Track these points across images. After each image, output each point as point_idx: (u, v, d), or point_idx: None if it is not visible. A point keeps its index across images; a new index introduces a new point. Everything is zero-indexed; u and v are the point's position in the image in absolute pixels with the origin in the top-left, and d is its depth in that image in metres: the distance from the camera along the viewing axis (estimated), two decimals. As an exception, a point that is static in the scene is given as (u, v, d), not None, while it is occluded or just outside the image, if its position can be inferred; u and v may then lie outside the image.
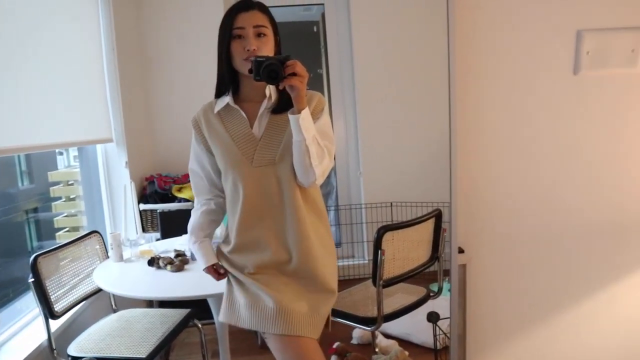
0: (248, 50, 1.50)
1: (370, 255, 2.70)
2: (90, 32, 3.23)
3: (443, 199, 4.06)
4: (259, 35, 1.53)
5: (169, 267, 2.26)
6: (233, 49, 1.54)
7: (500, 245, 2.24)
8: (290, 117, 1.46)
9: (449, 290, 3.57)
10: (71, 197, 3.41)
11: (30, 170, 3.20)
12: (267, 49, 1.54)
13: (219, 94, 1.64)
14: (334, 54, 3.75)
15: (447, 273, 2.34)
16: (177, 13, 3.89)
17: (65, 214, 3.40)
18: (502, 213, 2.22)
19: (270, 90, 1.60)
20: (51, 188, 3.31)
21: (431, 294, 2.63)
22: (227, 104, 1.62)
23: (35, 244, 3.23)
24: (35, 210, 3.30)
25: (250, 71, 1.46)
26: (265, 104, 1.60)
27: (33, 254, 2.17)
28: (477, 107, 2.12)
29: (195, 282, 2.15)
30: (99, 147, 3.41)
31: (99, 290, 2.38)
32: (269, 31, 1.56)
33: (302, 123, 1.44)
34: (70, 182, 3.43)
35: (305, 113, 1.45)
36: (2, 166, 2.82)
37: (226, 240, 1.71)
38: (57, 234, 3.34)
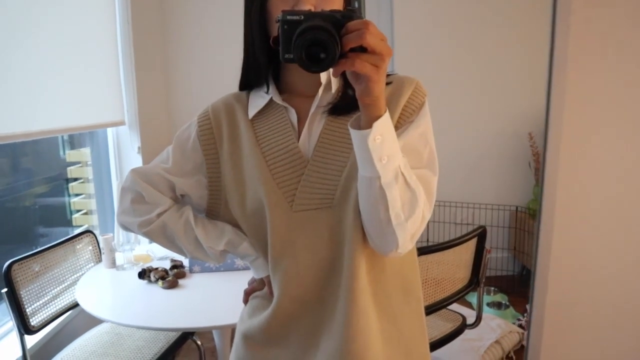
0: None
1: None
2: (106, 5, 2.91)
3: (483, 200, 3.71)
4: None
5: (160, 282, 1.95)
6: (271, 9, 0.89)
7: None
8: (353, 133, 0.79)
9: (487, 305, 3.21)
10: (90, 178, 3.16)
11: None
12: (333, 6, 0.88)
13: (246, 84, 1.02)
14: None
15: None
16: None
17: (84, 195, 3.15)
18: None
19: (328, 74, 0.94)
20: (68, 168, 3.06)
21: (468, 324, 2.25)
22: (270, 101, 0.98)
23: (45, 229, 3.00)
24: (47, 194, 3.06)
25: (275, 41, 0.83)
26: (318, 99, 0.95)
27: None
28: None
29: (187, 306, 1.83)
30: (109, 130, 3.13)
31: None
32: None
33: (375, 146, 0.76)
34: (89, 163, 3.17)
35: (384, 126, 0.76)
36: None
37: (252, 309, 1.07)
38: (74, 216, 3.11)
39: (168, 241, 1.03)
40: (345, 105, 0.92)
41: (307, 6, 0.85)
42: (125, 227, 1.06)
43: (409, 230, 0.84)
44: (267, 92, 0.97)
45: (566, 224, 1.80)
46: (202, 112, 1.04)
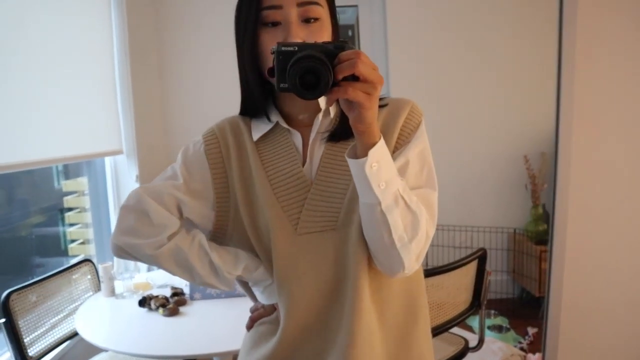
0: None
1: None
2: (102, 34, 2.95)
3: (482, 223, 3.71)
4: (307, 20, 0.90)
5: (160, 310, 1.93)
6: (262, 44, 0.90)
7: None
8: (350, 162, 0.80)
9: (488, 328, 3.19)
10: (86, 207, 3.14)
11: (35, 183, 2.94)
12: (322, 39, 0.91)
13: (245, 113, 1.03)
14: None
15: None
16: (197, 15, 3.61)
17: (80, 225, 3.13)
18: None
19: (325, 101, 0.96)
20: (64, 198, 3.05)
21: (470, 347, 2.23)
22: (275, 125, 0.99)
23: (41, 259, 2.97)
24: (43, 223, 3.04)
25: (270, 72, 0.83)
26: (317, 124, 0.96)
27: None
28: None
29: (188, 333, 1.81)
30: (107, 159, 3.13)
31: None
32: (323, 12, 0.92)
33: (373, 173, 0.78)
34: (85, 193, 3.16)
35: (379, 153, 0.78)
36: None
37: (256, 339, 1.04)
38: (70, 246, 3.08)
39: (178, 266, 0.97)
40: (343, 131, 0.93)
41: (297, 38, 0.87)
42: (123, 250, 0.97)
43: (413, 251, 0.85)
44: (269, 120, 0.98)
45: (579, 227, 1.81)
46: (208, 131, 1.03)
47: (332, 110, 0.96)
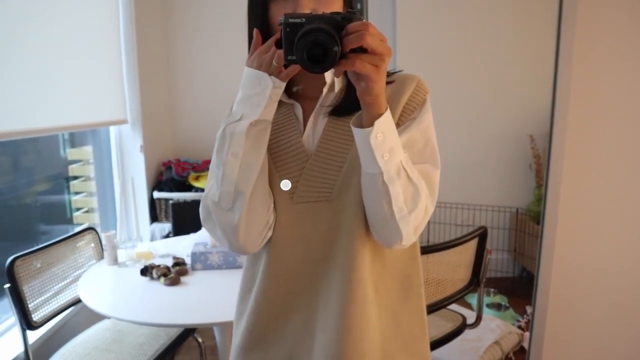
0: None
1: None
2: (109, 1, 2.92)
3: (484, 201, 3.72)
4: None
5: (162, 279, 1.96)
6: (272, 15, 0.90)
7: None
8: (355, 131, 0.82)
9: (487, 306, 3.21)
10: (91, 176, 3.16)
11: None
12: (332, 9, 0.88)
13: None
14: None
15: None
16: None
17: (85, 194, 3.15)
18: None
19: (332, 75, 0.95)
20: (69, 166, 3.06)
21: (468, 324, 2.25)
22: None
23: (46, 227, 3.00)
24: (49, 191, 3.06)
25: (277, 44, 0.82)
26: (322, 98, 0.97)
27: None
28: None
29: (189, 303, 1.83)
30: (112, 128, 3.14)
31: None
32: None
33: (377, 143, 0.79)
34: (90, 161, 3.18)
35: (385, 124, 0.79)
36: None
37: (240, 313, 1.05)
38: (75, 214, 3.11)
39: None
40: (346, 107, 0.94)
41: (307, 10, 0.86)
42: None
43: (412, 223, 0.87)
44: None
45: (569, 224, 1.82)
46: None
47: (337, 85, 0.96)
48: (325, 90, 0.96)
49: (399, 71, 0.97)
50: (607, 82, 1.71)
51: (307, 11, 0.86)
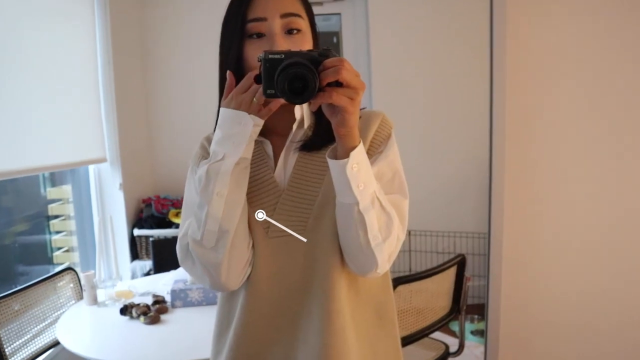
0: None
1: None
2: (85, 38, 2.96)
3: (465, 228, 3.77)
4: (289, 31, 0.94)
5: (142, 318, 1.94)
6: (247, 54, 0.94)
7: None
8: (331, 163, 0.85)
9: (471, 333, 3.22)
10: (71, 215, 3.14)
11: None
12: (304, 48, 0.95)
13: None
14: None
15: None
16: (180, 23, 3.63)
17: (65, 233, 3.12)
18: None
19: (302, 110, 1.00)
20: (49, 206, 3.05)
21: (451, 352, 2.26)
22: None
23: (26, 267, 2.96)
24: (28, 231, 3.03)
25: (257, 79, 0.86)
26: (292, 134, 1.00)
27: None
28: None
29: (169, 341, 1.82)
30: (91, 167, 3.14)
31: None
32: (304, 23, 0.96)
33: (353, 174, 0.83)
34: (70, 200, 3.17)
35: (359, 155, 0.83)
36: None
37: (218, 350, 1.05)
38: (55, 253, 3.08)
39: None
40: (316, 142, 0.98)
41: (282, 48, 0.89)
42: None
43: (386, 251, 0.90)
44: None
45: (514, 229, 1.95)
46: (206, 135, 1.06)
47: (307, 121, 1.00)
48: (295, 126, 0.99)
49: (363, 108, 1.01)
50: (540, 90, 1.91)
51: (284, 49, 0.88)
